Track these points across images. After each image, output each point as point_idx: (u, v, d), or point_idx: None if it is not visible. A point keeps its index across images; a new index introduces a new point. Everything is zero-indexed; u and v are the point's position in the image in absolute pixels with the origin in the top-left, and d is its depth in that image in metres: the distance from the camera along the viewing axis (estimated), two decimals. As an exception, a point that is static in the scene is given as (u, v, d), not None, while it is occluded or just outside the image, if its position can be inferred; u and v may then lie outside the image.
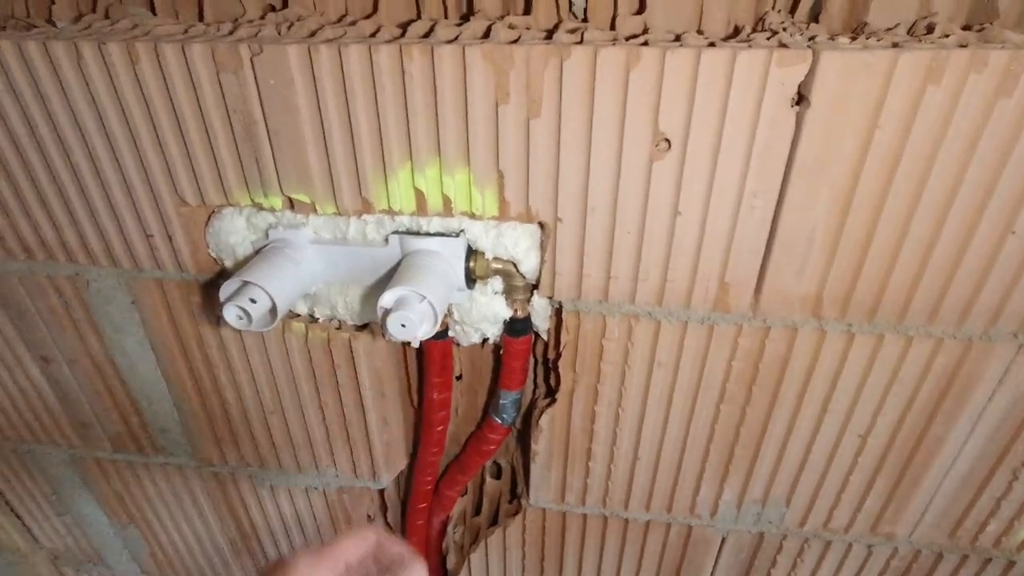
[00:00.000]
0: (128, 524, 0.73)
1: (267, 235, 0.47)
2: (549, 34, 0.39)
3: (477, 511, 0.68)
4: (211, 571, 0.76)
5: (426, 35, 0.40)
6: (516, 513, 0.62)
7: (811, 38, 0.37)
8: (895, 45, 0.35)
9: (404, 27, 0.42)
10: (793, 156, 0.37)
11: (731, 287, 0.43)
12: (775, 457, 0.52)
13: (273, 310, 0.43)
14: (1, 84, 0.42)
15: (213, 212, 0.48)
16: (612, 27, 0.42)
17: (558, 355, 0.49)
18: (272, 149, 0.42)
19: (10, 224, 0.50)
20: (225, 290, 0.42)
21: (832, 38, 0.37)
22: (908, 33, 0.38)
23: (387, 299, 0.40)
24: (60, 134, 0.44)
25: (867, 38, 0.37)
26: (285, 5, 0.45)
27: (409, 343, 0.51)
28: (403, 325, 0.40)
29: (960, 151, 0.36)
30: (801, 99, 0.36)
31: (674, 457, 0.53)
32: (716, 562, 0.61)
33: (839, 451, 0.51)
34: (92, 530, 0.75)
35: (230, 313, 0.42)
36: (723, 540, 0.59)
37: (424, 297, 0.40)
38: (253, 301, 0.42)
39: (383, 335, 0.50)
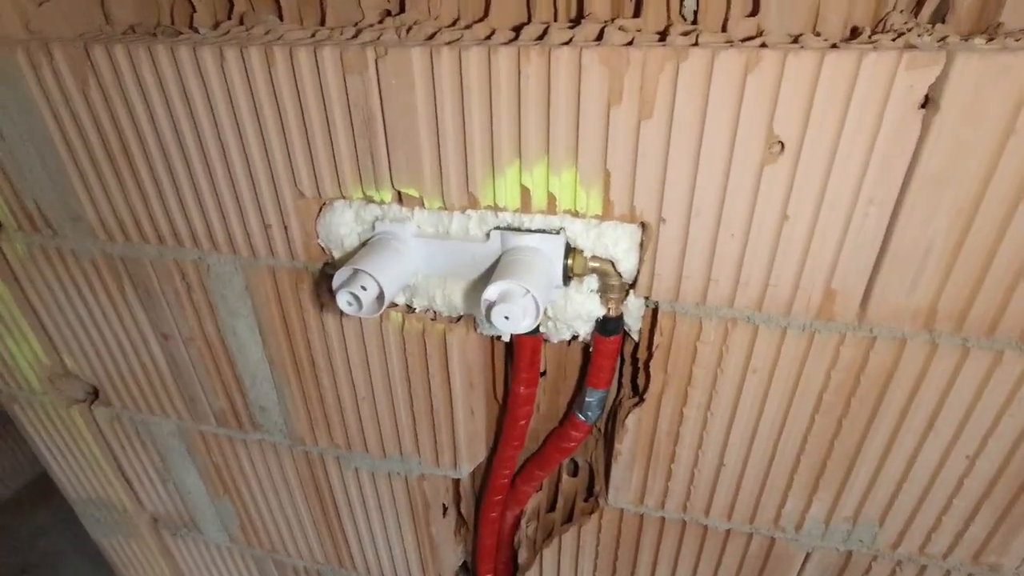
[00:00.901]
0: (223, 495, 0.78)
1: (373, 227, 0.50)
2: (661, 36, 0.40)
3: (551, 508, 0.69)
4: (293, 545, 0.80)
5: (540, 38, 0.41)
6: (592, 512, 0.62)
7: (941, 39, 0.36)
8: (1038, 47, 0.33)
9: (517, 30, 0.43)
10: (916, 163, 0.36)
11: (837, 295, 0.42)
12: (871, 473, 0.50)
13: (380, 297, 0.45)
14: (152, 85, 0.47)
15: (325, 204, 0.51)
16: (724, 29, 0.42)
17: (650, 355, 0.49)
18: (387, 145, 0.45)
19: (148, 212, 0.55)
20: (339, 277, 0.45)
21: (965, 39, 0.35)
22: (1049, 35, 0.36)
23: (492, 292, 0.42)
24: (199, 131, 0.48)
25: (1004, 38, 0.35)
26: (402, 10, 0.48)
27: (499, 337, 0.53)
28: (507, 318, 0.42)
29: (1106, 159, 0.34)
30: (927, 103, 0.35)
31: (761, 466, 0.52)
32: (798, 578, 0.60)
33: (943, 472, 0.48)
34: (190, 498, 0.81)
35: (342, 299, 0.45)
36: (807, 556, 0.58)
37: (528, 291, 0.42)
38: (364, 288, 0.44)
39: (477, 329, 0.52)
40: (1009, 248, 0.38)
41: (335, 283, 0.45)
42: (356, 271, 0.45)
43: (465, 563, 0.82)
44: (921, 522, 0.51)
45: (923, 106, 0.35)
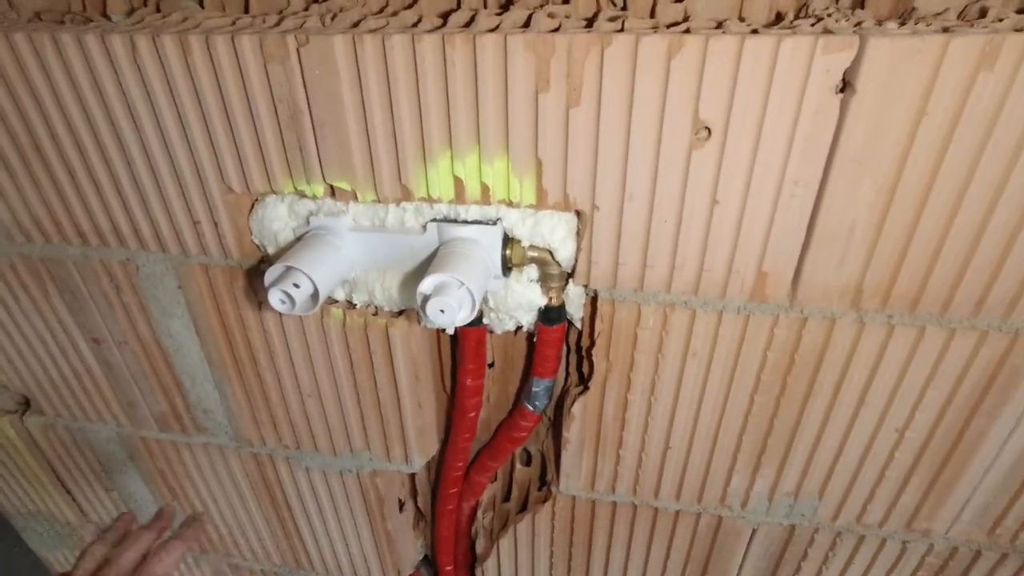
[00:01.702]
0: (171, 502, 0.76)
1: (308, 222, 0.49)
2: (589, 22, 0.39)
3: (506, 498, 0.69)
4: (248, 548, 0.79)
5: (467, 24, 0.40)
6: (545, 500, 0.63)
7: (857, 24, 0.36)
8: (945, 30, 0.34)
9: (445, 17, 0.42)
10: (836, 145, 0.37)
11: (768, 277, 0.43)
12: (809, 449, 0.52)
13: (315, 295, 0.44)
14: (61, 76, 0.44)
15: (257, 200, 0.50)
16: (652, 15, 0.42)
17: (592, 343, 0.49)
18: (316, 137, 0.43)
19: (66, 210, 0.52)
20: (270, 275, 0.43)
21: (879, 23, 0.36)
22: (959, 18, 0.37)
23: (427, 285, 0.41)
24: (115, 124, 0.46)
25: (916, 23, 0.36)
26: (328, -4, 0.46)
27: (444, 329, 0.53)
28: (442, 311, 0.41)
29: (1012, 140, 0.35)
30: (846, 87, 0.36)
31: (706, 447, 0.53)
32: (746, 554, 0.61)
33: (875, 445, 0.50)
34: (137, 506, 0.78)
35: (274, 297, 0.43)
36: (753, 532, 0.59)
37: (463, 283, 0.41)
38: (296, 286, 0.43)
39: (420, 322, 0.52)
40: (927, 225, 0.39)
41: (267, 281, 0.44)
42: (288, 268, 0.43)
43: (426, 556, 0.82)
44: (857, 494, 0.53)
45: (842, 90, 0.36)
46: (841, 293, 0.43)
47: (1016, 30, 0.33)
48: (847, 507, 0.54)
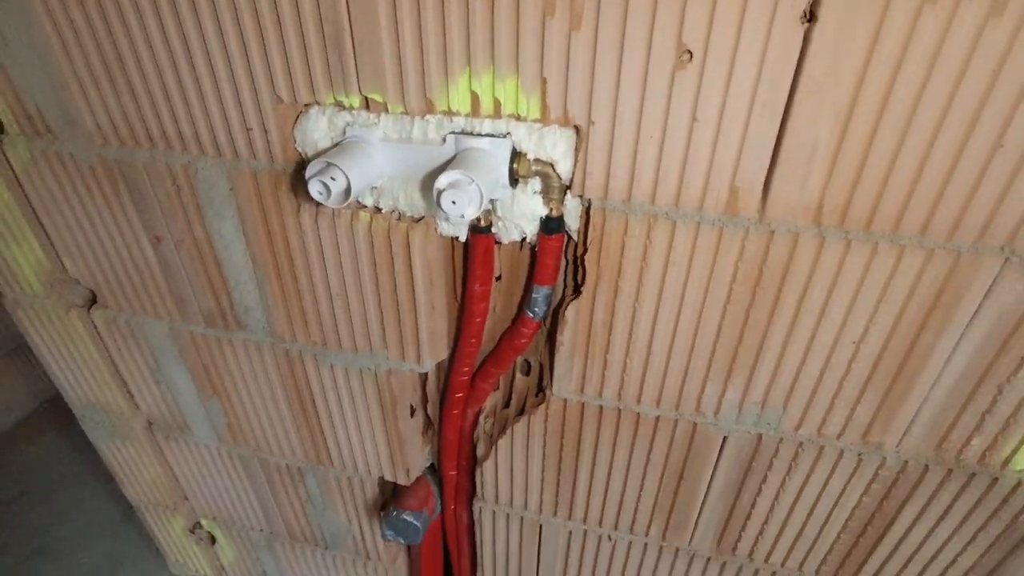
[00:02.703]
0: (212, 395, 0.86)
1: (344, 133, 0.56)
2: (594, -43, 0.45)
3: (506, 405, 0.77)
4: (276, 444, 0.88)
5: (488, -44, 0.46)
6: (540, 404, 0.70)
7: (825, -38, 0.42)
8: (899, -32, 0.39)
9: (470, -50, 0.49)
10: (800, 70, 0.43)
11: (740, 192, 0.49)
12: (775, 360, 0.58)
13: (347, 189, 0.52)
14: (144, -8, 0.52)
15: (301, 112, 0.57)
16: (651, -46, 0.47)
17: (585, 250, 0.56)
18: (355, 53, 0.51)
19: (140, 117, 0.60)
20: (311, 168, 0.51)
21: (844, -38, 0.41)
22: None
23: (442, 181, 0.49)
24: (186, 38, 0.54)
25: (876, -37, 0.41)
26: (371, -68, 0.53)
27: (457, 237, 0.60)
28: (454, 202, 0.48)
29: (953, 69, 0.40)
30: (811, 17, 0.41)
31: (684, 354, 0.60)
32: (718, 461, 0.68)
33: (834, 357, 0.56)
34: (182, 399, 0.88)
35: (314, 187, 0.51)
36: (724, 440, 0.66)
37: (473, 181, 0.48)
38: (333, 179, 0.51)
39: (437, 229, 0.59)
40: (879, 148, 0.44)
41: (308, 173, 0.51)
42: (328, 164, 0.51)
43: (432, 465, 0.91)
44: (818, 405, 0.60)
45: (808, 20, 0.41)
46: (804, 210, 0.49)
47: (956, -33, 0.38)
48: (808, 418, 0.61)
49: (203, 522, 1.13)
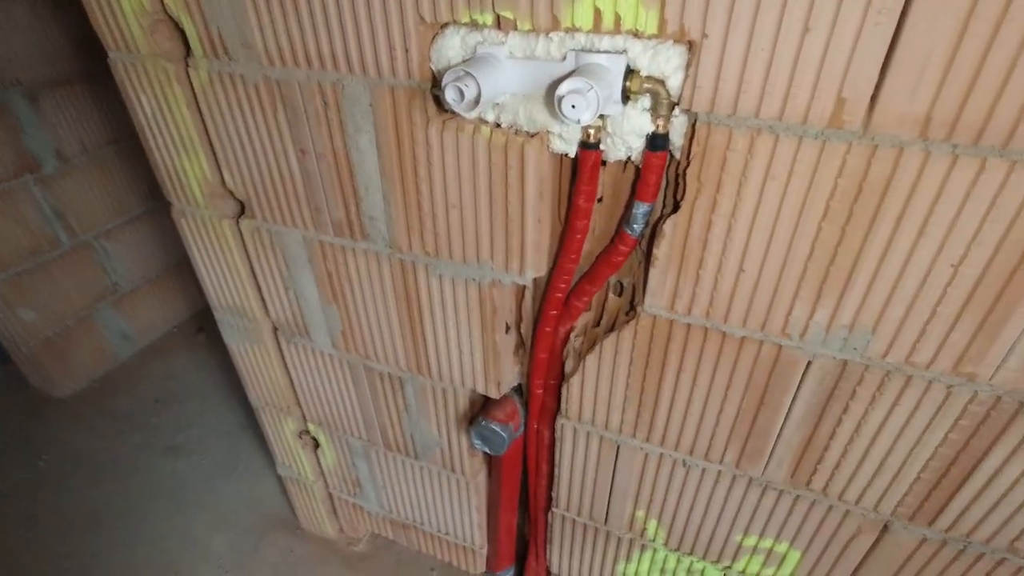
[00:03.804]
0: (331, 302, 0.97)
1: (475, 52, 0.63)
2: None
3: (597, 324, 0.83)
4: (383, 352, 0.99)
5: None
6: (631, 321, 0.75)
7: None
8: None
9: None
10: (919, -23, 0.45)
11: (847, 103, 0.51)
12: (868, 281, 0.60)
13: (478, 97, 0.59)
14: (319, -77, 0.61)
15: (438, 32, 0.65)
16: None
17: (688, 165, 0.60)
18: (493, -27, 0.57)
19: (301, 39, 0.70)
20: (448, 76, 0.59)
21: None
22: None
23: (564, 87, 0.54)
24: (349, -37, 0.62)
25: None
26: None
27: (567, 155, 0.66)
28: (573, 106, 0.54)
29: (1081, -30, 0.41)
30: (934, -76, 0.43)
31: (774, 273, 0.63)
32: (799, 387, 0.70)
33: (930, 279, 0.57)
34: (306, 305, 1.01)
35: (450, 92, 0.58)
36: (808, 364, 0.68)
37: (592, 87, 0.54)
38: (467, 86, 0.58)
39: (549, 148, 0.65)
40: (995, 59, 0.46)
41: (445, 80, 0.59)
42: (464, 72, 0.58)
43: (519, 387, 0.98)
44: (909, 330, 0.61)
45: (931, -72, 0.43)
46: (912, 122, 0.50)
47: None
48: (897, 344, 0.62)
49: (310, 427, 1.27)
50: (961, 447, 0.66)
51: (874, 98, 0.51)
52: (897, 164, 0.53)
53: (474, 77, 0.58)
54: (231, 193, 0.93)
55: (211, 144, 0.88)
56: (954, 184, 0.52)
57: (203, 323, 2.19)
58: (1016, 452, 0.63)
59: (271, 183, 0.87)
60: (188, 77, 0.82)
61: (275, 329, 1.10)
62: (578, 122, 0.55)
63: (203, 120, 0.85)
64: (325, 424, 1.23)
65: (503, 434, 0.94)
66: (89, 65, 1.79)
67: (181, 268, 2.19)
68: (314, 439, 1.30)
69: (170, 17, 0.77)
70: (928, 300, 0.58)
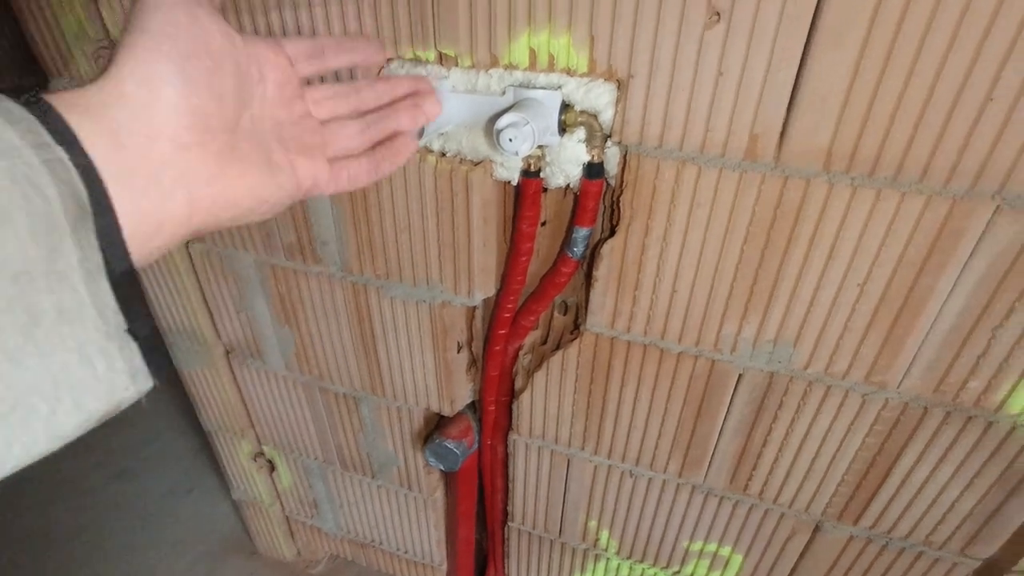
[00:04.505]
0: (285, 324, 0.98)
1: (419, 85, 0.66)
2: (640, -67, 0.54)
3: (544, 342, 0.86)
4: (337, 372, 1.00)
5: (551, -69, 0.55)
6: (575, 340, 0.79)
7: (839, -63, 0.49)
8: (902, -59, 0.46)
9: (535, -73, 0.57)
10: (815, 26, 0.50)
11: (759, 138, 0.56)
12: (787, 300, 0.65)
13: (422, 131, 0.62)
14: (264, -40, 0.63)
15: (383, 66, 0.67)
16: (691, -69, 0.55)
17: (621, 193, 0.64)
18: (434, 11, 0.60)
19: (249, 68, 0.72)
20: (393, 110, 0.61)
21: (855, -64, 0.48)
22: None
23: (502, 121, 0.58)
24: (295, -1, 0.65)
25: (883, -63, 0.48)
26: (451, -88, 0.63)
27: (510, 181, 0.69)
28: (511, 139, 0.57)
29: (950, 23, 0.47)
30: (825, -17, 0.48)
31: (704, 292, 0.67)
32: (733, 398, 0.75)
33: (840, 297, 0.62)
34: (259, 327, 1.01)
35: (395, 126, 0.61)
36: (740, 377, 0.73)
37: (528, 122, 0.57)
38: (411, 119, 0.61)
39: (493, 173, 0.68)
40: (884, 97, 0.51)
41: (389, 114, 0.61)
42: (405, 107, 0.61)
43: (472, 403, 1.00)
44: (825, 343, 0.66)
45: (822, -15, 0.49)
46: (815, 155, 0.56)
47: (950, -61, 0.44)
48: (817, 356, 0.67)
49: (265, 449, 1.26)
50: (877, 450, 0.72)
51: (783, 134, 0.56)
52: (806, 193, 0.58)
53: (417, 111, 0.60)
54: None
55: None
56: (855, 212, 0.57)
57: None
58: (924, 454, 0.69)
59: (221, 207, 0.87)
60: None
61: (227, 352, 1.10)
62: (516, 154, 0.58)
63: None
64: (281, 446, 1.22)
65: (456, 451, 0.95)
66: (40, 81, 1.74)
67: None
68: (270, 461, 1.28)
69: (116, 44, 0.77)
70: (840, 316, 0.64)
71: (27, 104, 0.24)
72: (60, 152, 0.24)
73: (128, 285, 0.27)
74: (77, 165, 0.24)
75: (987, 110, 0.49)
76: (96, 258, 0.25)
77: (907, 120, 0.51)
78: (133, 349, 0.27)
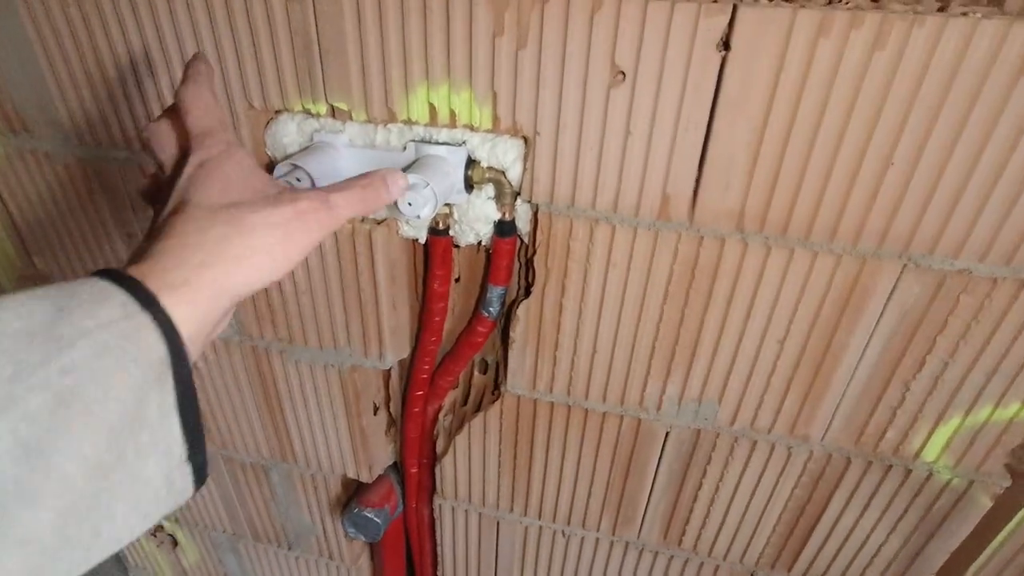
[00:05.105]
0: (178, 392, 0.87)
1: (312, 138, 0.60)
2: (540, -14, 0.51)
3: (464, 402, 0.81)
4: (242, 441, 0.90)
5: (445, -19, 0.51)
6: (496, 400, 0.74)
7: (740, -3, 0.47)
8: (802, 6, 0.45)
9: (430, -25, 0.53)
10: (719, 91, 0.48)
11: (672, 198, 0.54)
12: (709, 357, 0.63)
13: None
14: (125, 2, 0.56)
15: (271, 118, 0.61)
16: (592, -15, 0.53)
17: (534, 251, 0.61)
18: (322, 64, 0.55)
19: (117, 118, 0.64)
20: (279, 170, 0.55)
21: (755, -2, 0.47)
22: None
23: (400, 183, 0.53)
24: (164, 47, 0.57)
25: None
26: (340, -45, 0.58)
27: (418, 239, 0.64)
28: (410, 204, 0.52)
29: (848, 93, 0.46)
30: (727, 46, 0.47)
31: (626, 351, 0.64)
32: (661, 455, 0.72)
33: (761, 354, 0.61)
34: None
35: (281, 187, 0.55)
36: (667, 434, 0.70)
37: (428, 184, 0.52)
38: (299, 180, 0.54)
39: (398, 232, 0.63)
40: (790, 160, 0.50)
41: (276, 174, 0.55)
42: (294, 166, 0.55)
43: (394, 463, 0.93)
44: (749, 399, 0.64)
45: (725, 47, 0.47)
46: (728, 216, 0.54)
47: (848, 7, 0.44)
48: (741, 412, 0.65)
49: (164, 524, 1.13)
50: (806, 500, 0.71)
51: (695, 194, 0.53)
52: (722, 252, 0.56)
53: (306, 171, 0.54)
54: (47, 277, 0.81)
55: (15, 226, 0.76)
56: (770, 271, 0.56)
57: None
58: (849, 502, 0.69)
59: (93, 267, 0.77)
60: (-18, 154, 0.71)
61: (114, 422, 0.97)
62: (418, 217, 0.53)
63: (1, 199, 0.74)
64: (183, 519, 1.09)
65: (377, 520, 0.88)
66: None
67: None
68: (171, 536, 1.15)
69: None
70: (762, 372, 0.62)
71: (115, 277, 0.29)
72: (146, 318, 0.28)
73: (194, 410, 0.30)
74: (160, 324, 0.28)
75: (888, 174, 0.49)
76: (170, 399, 0.28)
77: (814, 182, 0.50)
78: (188, 472, 0.30)
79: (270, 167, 0.63)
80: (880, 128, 0.47)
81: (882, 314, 0.56)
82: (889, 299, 0.55)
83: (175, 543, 1.15)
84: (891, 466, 0.65)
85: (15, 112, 0.66)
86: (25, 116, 0.66)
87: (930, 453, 0.63)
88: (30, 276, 0.82)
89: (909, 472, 0.65)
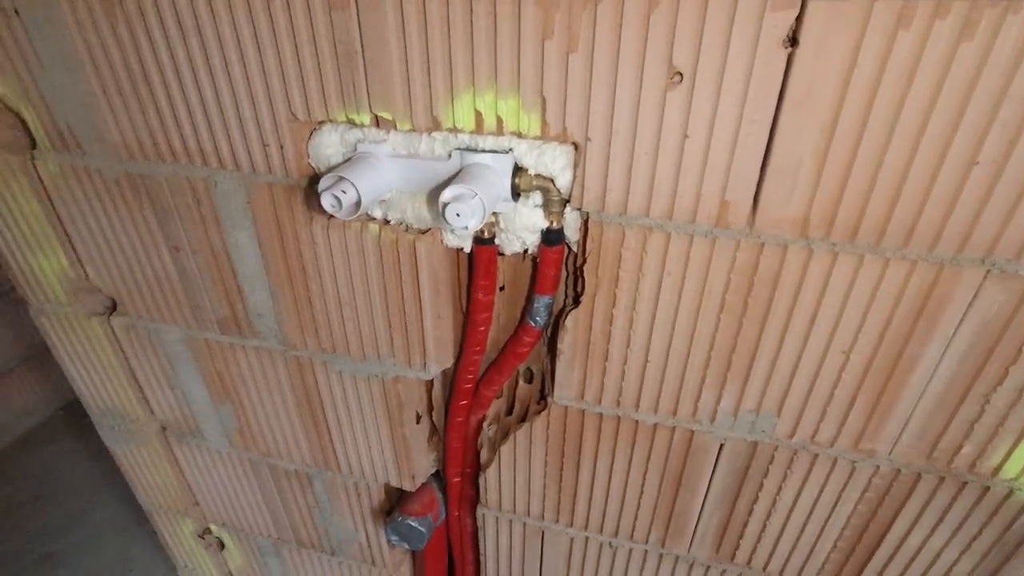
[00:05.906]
0: (224, 400, 0.88)
1: (355, 149, 0.59)
2: (590, -15, 0.48)
3: (509, 412, 0.79)
4: (286, 449, 0.91)
5: (492, -16, 0.50)
6: (542, 411, 0.72)
7: (807, -10, 0.44)
8: (875, -4, 0.42)
9: (475, -21, 0.52)
10: (784, 90, 0.45)
11: (730, 205, 0.51)
12: (768, 368, 0.60)
13: (358, 203, 0.55)
14: (169, 15, 0.56)
15: (314, 128, 0.60)
16: (645, -18, 0.50)
17: (584, 261, 0.59)
18: (366, 74, 0.54)
19: (164, 132, 0.64)
20: (324, 182, 0.54)
21: (824, -10, 0.44)
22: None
23: (447, 194, 0.51)
24: (209, 60, 0.57)
25: (854, -9, 0.44)
26: (382, -39, 0.57)
27: (463, 248, 0.63)
28: (458, 214, 0.51)
29: (929, 89, 0.43)
30: (794, 41, 0.44)
31: (680, 362, 0.62)
32: (715, 468, 0.69)
33: (825, 365, 0.58)
34: (195, 405, 0.91)
35: (326, 200, 0.54)
36: (721, 447, 0.67)
37: (476, 194, 0.51)
38: (344, 192, 0.54)
39: (443, 240, 0.62)
40: (863, 161, 0.47)
41: (321, 187, 0.54)
42: (340, 178, 0.54)
43: (437, 472, 0.92)
44: (810, 413, 0.61)
45: (792, 44, 0.44)
46: (792, 222, 0.51)
47: (927, -5, 0.40)
48: (802, 425, 0.62)
49: (212, 527, 1.15)
50: (870, 516, 0.67)
51: (756, 200, 0.51)
52: (783, 261, 0.53)
53: (351, 182, 0.53)
54: (99, 289, 0.83)
55: (69, 239, 0.78)
56: (837, 279, 0.53)
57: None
58: (919, 519, 0.65)
59: (143, 280, 0.78)
60: (36, 169, 0.73)
61: (163, 429, 0.99)
62: (465, 228, 0.52)
63: (57, 215, 0.76)
64: (229, 524, 1.11)
65: (421, 528, 0.87)
66: None
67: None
68: (218, 539, 1.17)
69: (8, 107, 0.68)
70: (825, 384, 0.59)
71: None
72: None
73: None
74: None
75: (972, 174, 0.45)
76: None
77: (887, 185, 0.47)
78: None
79: (314, 179, 0.63)
80: (965, 125, 0.43)
81: (960, 323, 0.52)
82: (969, 307, 0.51)
83: (222, 546, 1.17)
84: (966, 483, 0.61)
85: (68, 130, 0.67)
86: (77, 134, 0.67)
87: (1011, 469, 0.58)
88: (84, 289, 0.83)
89: (987, 489, 0.61)
